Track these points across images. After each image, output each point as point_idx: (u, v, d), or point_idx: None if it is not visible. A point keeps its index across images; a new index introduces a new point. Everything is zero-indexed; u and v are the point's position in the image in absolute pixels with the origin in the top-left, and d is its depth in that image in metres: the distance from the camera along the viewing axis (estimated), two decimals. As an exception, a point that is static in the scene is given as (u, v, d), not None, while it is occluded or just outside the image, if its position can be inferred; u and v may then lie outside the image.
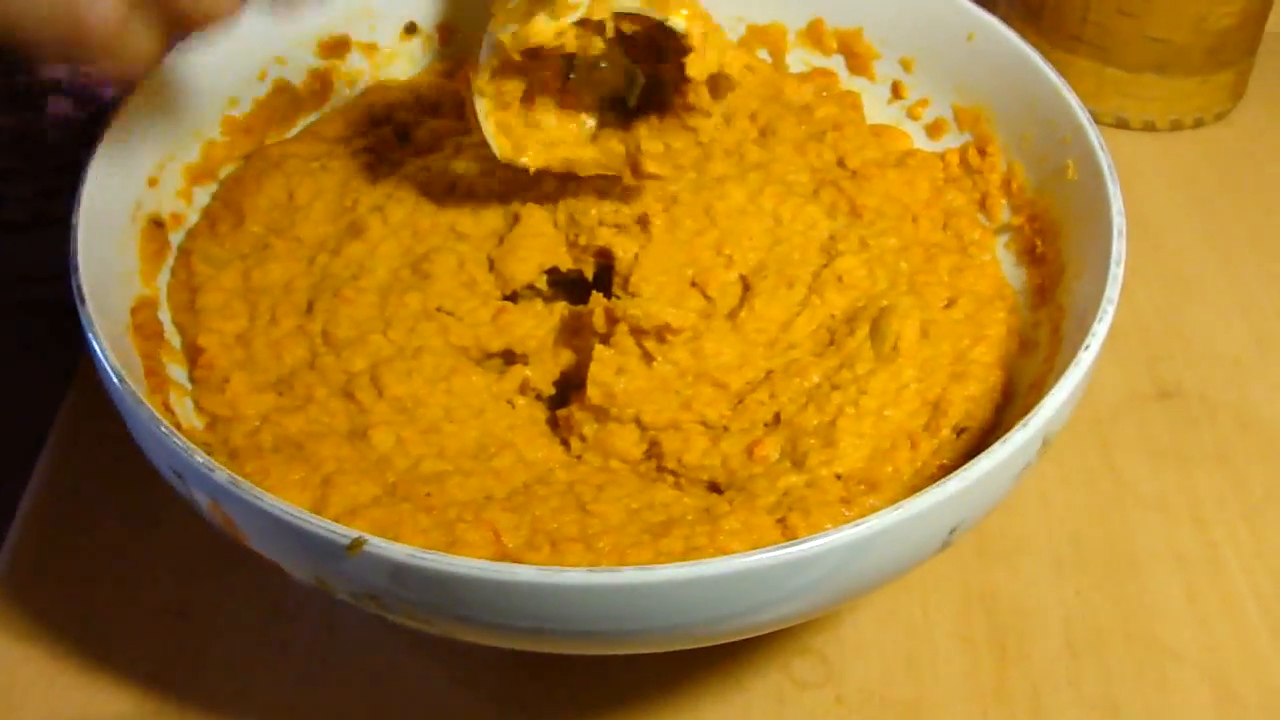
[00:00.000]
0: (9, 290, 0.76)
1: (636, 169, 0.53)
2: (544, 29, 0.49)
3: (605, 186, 0.55)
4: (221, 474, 0.42)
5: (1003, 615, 0.56)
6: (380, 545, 0.40)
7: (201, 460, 0.42)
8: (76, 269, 0.48)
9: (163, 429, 0.43)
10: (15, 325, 0.77)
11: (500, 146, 0.53)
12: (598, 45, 0.51)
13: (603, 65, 0.53)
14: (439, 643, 0.53)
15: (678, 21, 0.50)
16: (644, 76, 0.53)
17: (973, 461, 0.42)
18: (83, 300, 0.46)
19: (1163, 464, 0.61)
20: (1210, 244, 0.70)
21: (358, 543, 0.40)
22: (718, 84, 0.52)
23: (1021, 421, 0.44)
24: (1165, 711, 0.53)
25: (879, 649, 0.55)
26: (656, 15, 0.49)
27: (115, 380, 0.44)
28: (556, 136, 0.54)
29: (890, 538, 0.41)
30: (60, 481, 0.60)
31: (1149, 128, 0.74)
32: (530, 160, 0.53)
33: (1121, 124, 0.74)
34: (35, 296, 0.76)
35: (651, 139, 0.53)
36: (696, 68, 0.50)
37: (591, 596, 0.39)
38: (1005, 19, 0.61)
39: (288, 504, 0.41)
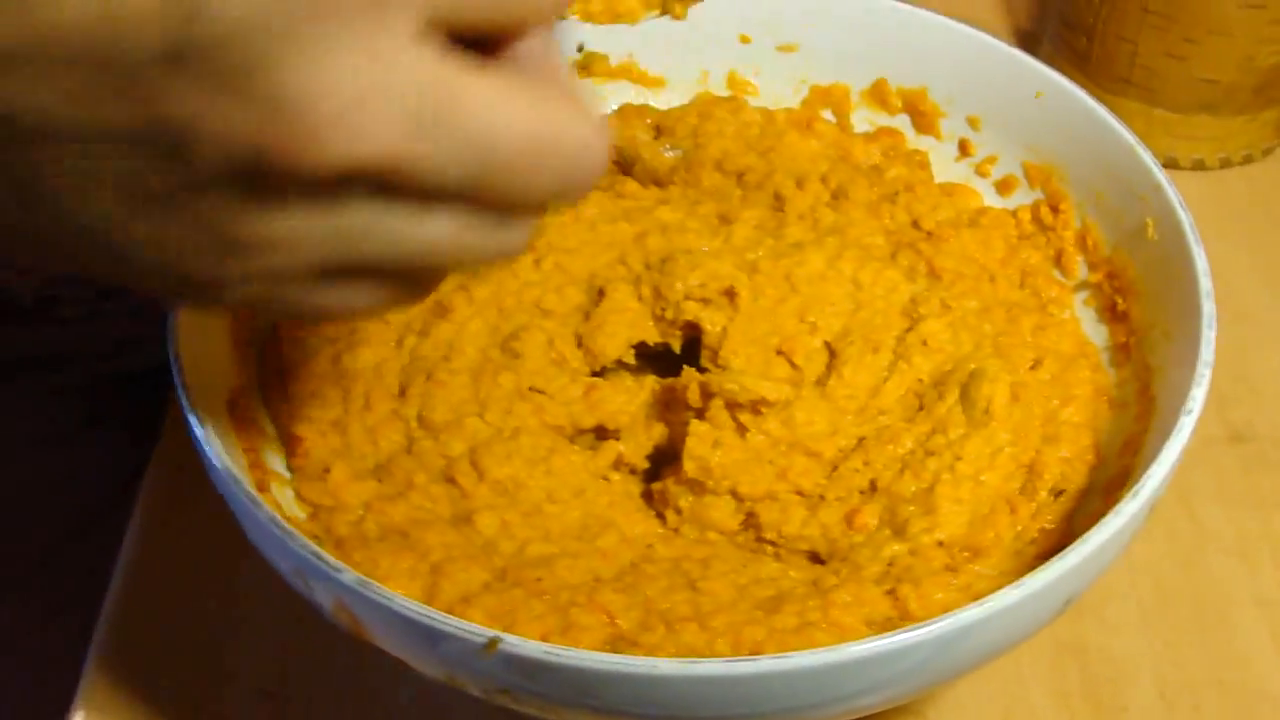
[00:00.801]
0: (70, 369, 0.77)
1: None
2: None
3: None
4: (349, 575, 0.42)
5: (1094, 667, 0.57)
6: (516, 643, 0.40)
7: (328, 562, 0.42)
8: (180, 368, 0.48)
9: (284, 531, 0.43)
10: (76, 403, 0.77)
11: None
12: None
13: None
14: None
15: None
16: None
17: (1089, 533, 0.43)
18: (189, 397, 0.47)
19: (1240, 509, 0.62)
20: (1265, 281, 0.71)
21: (493, 642, 0.40)
22: None
23: (1132, 490, 0.44)
24: (1263, 759, 0.54)
25: (976, 705, 0.55)
26: None
27: (231, 483, 0.45)
28: None
29: (1014, 612, 0.42)
30: (147, 566, 0.60)
31: (1199, 166, 0.75)
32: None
33: (1171, 164, 0.75)
34: (98, 371, 0.77)
35: None
36: None
37: (730, 685, 0.40)
38: (1050, 62, 0.61)
39: (419, 604, 0.41)
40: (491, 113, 0.33)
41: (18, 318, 0.72)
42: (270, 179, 0.32)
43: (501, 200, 0.35)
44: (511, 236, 0.36)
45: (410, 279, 0.37)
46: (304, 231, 0.33)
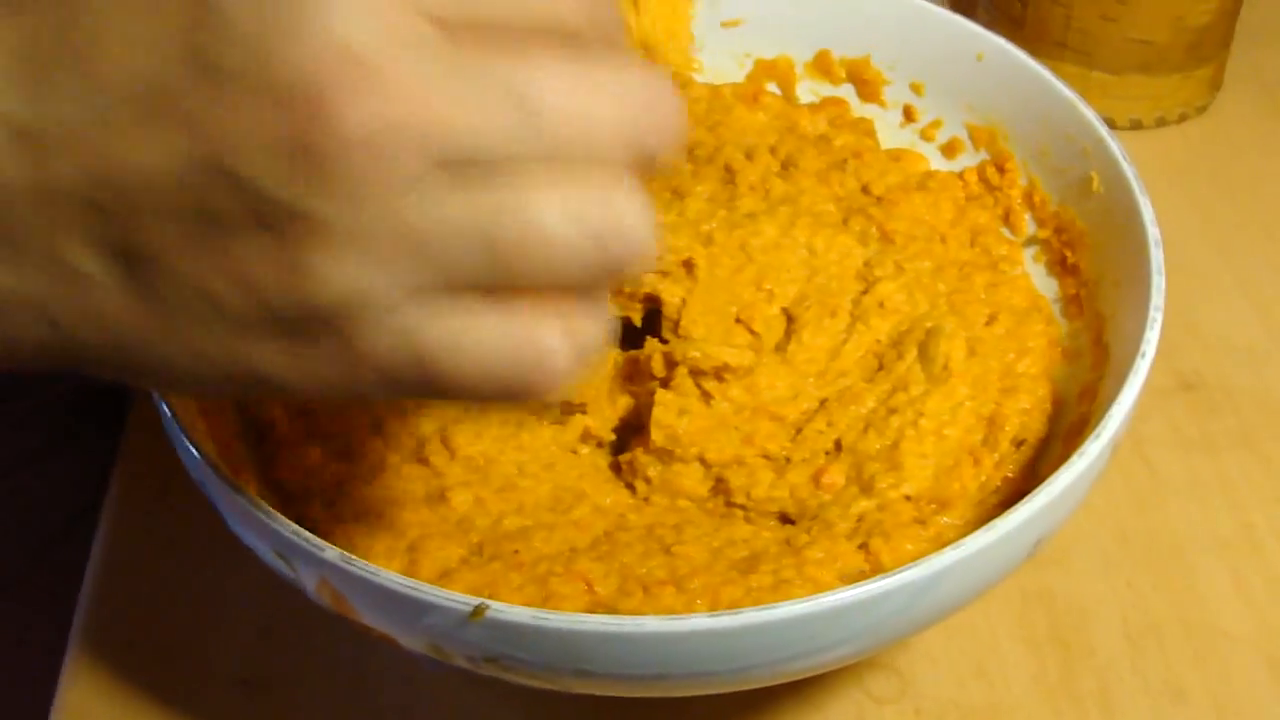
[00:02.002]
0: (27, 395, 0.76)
1: None
2: None
3: None
4: (332, 552, 0.42)
5: (1061, 614, 0.58)
6: (503, 610, 0.41)
7: (310, 540, 0.43)
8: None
9: (265, 513, 0.43)
10: (33, 427, 0.77)
11: None
12: None
13: None
14: (525, 693, 0.54)
15: None
16: None
17: (1056, 475, 0.44)
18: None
19: (1193, 454, 0.63)
20: (1206, 234, 0.73)
21: (479, 609, 0.41)
22: None
23: (1094, 433, 0.45)
24: (1228, 693, 0.55)
25: (948, 658, 0.56)
26: None
27: (209, 470, 0.45)
28: None
29: (988, 554, 0.43)
30: (119, 569, 0.60)
31: (1135, 126, 0.77)
32: None
33: (1108, 124, 0.75)
34: (53, 394, 0.76)
35: None
36: None
37: (715, 640, 0.41)
38: (985, 28, 0.62)
39: (404, 577, 0.42)
40: (537, 69, 0.31)
41: None
42: (322, 164, 0.29)
43: (583, 156, 0.31)
44: (630, 205, 0.32)
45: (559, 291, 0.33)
46: (391, 226, 0.30)
